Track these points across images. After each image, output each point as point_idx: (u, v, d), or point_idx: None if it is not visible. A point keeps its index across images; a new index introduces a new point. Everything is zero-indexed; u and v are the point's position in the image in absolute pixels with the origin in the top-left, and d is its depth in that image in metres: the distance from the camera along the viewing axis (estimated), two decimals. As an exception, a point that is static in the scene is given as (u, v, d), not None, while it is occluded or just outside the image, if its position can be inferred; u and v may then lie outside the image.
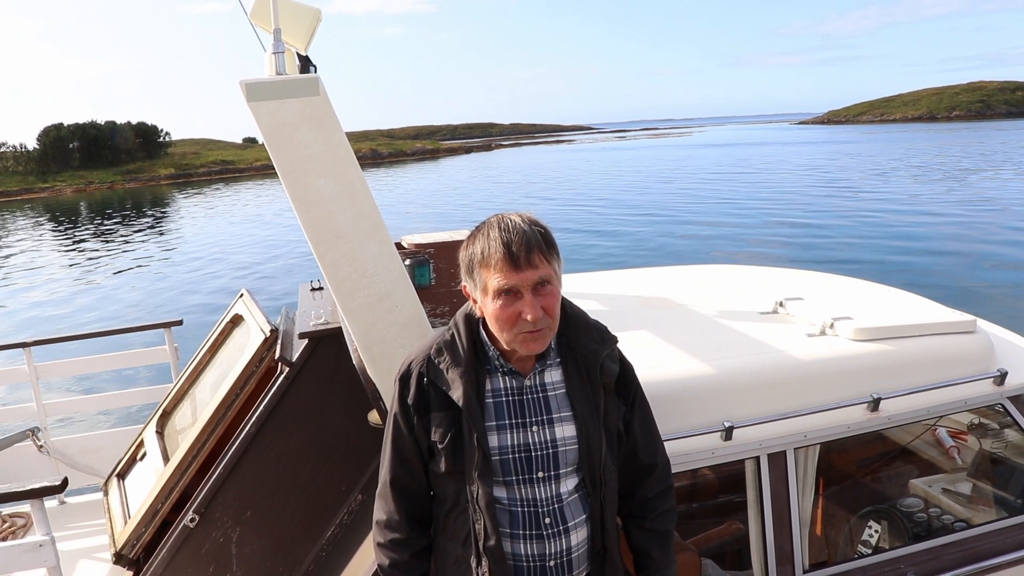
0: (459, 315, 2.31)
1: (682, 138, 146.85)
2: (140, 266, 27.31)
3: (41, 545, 2.83)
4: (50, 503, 5.07)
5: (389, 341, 2.77)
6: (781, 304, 3.67)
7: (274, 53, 2.71)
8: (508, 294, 2.10)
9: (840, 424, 3.08)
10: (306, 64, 3.20)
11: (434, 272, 3.45)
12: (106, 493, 4.75)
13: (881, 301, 3.81)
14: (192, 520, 3.52)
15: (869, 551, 3.42)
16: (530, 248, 2.08)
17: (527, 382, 2.24)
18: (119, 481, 4.66)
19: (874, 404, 3.09)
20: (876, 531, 3.51)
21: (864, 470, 4.02)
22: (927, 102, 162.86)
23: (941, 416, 3.46)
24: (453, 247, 2.75)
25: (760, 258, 19.37)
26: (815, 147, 78.84)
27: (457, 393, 2.17)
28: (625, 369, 2.38)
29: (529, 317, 2.08)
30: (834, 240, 22.13)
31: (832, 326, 3.32)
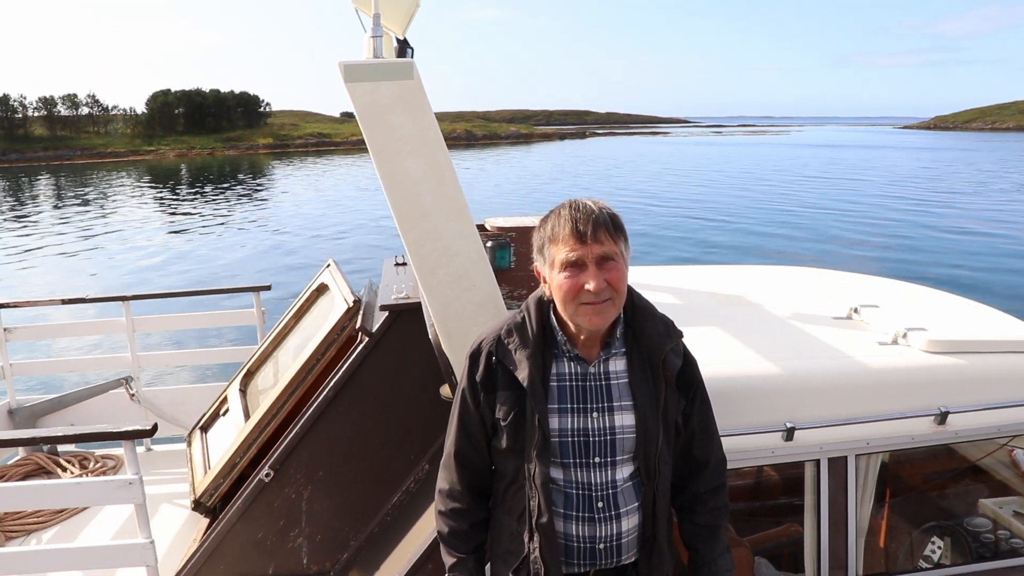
0: (531, 299, 2.38)
1: (780, 136, 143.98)
2: (235, 231, 28.09)
3: (131, 483, 3.01)
4: (138, 449, 5.35)
5: (465, 318, 2.86)
6: (856, 310, 3.64)
7: (372, 36, 2.82)
8: (574, 266, 2.17)
9: (904, 434, 3.06)
10: (403, 47, 3.31)
11: (514, 255, 3.54)
12: (189, 444, 4.98)
13: (959, 314, 3.75)
14: (267, 475, 3.69)
15: (930, 566, 3.39)
16: (596, 225, 2.17)
17: (591, 369, 2.30)
18: (202, 433, 4.88)
19: (942, 417, 3.05)
20: (939, 547, 3.47)
21: (931, 484, 3.96)
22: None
23: (1014, 436, 3.40)
24: (534, 232, 2.83)
25: (845, 263, 18.97)
26: (918, 153, 76.47)
27: (523, 374, 2.25)
28: (688, 363, 2.42)
29: (591, 286, 2.14)
30: (928, 251, 21.52)
31: (905, 336, 3.28)
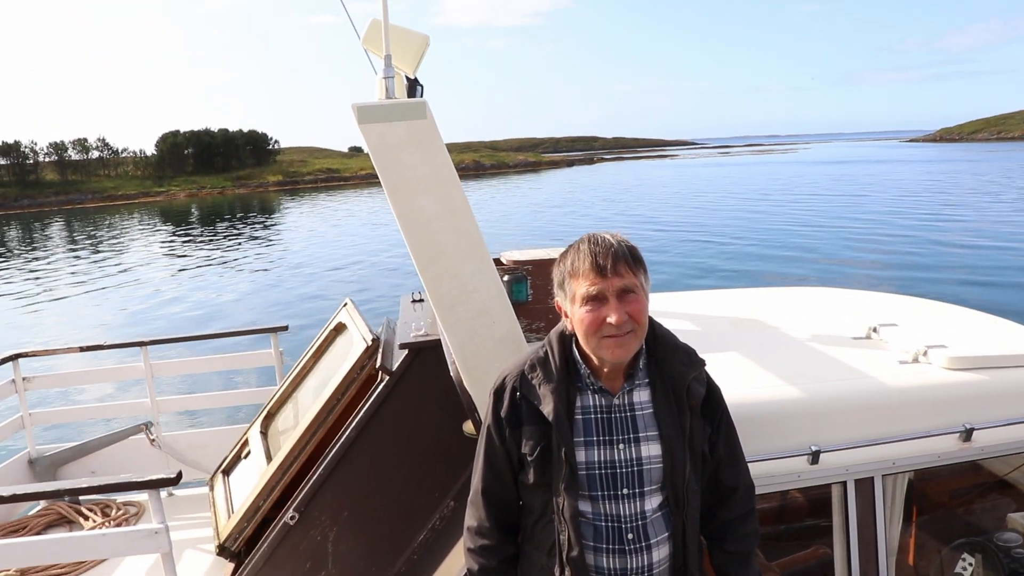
0: (553, 333, 2.40)
1: (787, 155, 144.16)
2: (249, 271, 28.21)
3: (156, 532, 3.02)
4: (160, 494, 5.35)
5: (485, 355, 2.87)
6: (875, 330, 3.63)
7: (384, 77, 2.85)
8: (594, 300, 2.19)
9: (930, 453, 3.04)
10: (413, 86, 3.35)
11: (531, 288, 3.54)
12: (211, 488, 4.97)
13: (979, 329, 3.74)
14: (292, 518, 3.68)
15: None
16: (616, 259, 2.19)
17: (616, 401, 2.30)
18: (224, 477, 4.88)
19: (967, 434, 3.04)
20: (970, 564, 3.43)
21: (958, 501, 3.92)
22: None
23: None
24: (550, 264, 2.84)
25: (856, 281, 18.88)
26: (925, 165, 76.41)
27: (548, 408, 2.26)
28: (712, 391, 2.42)
29: (613, 319, 2.16)
30: (939, 266, 21.42)
31: (925, 354, 3.27)
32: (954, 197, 41.25)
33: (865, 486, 3.03)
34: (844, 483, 3.02)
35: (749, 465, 2.55)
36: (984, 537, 3.59)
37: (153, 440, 5.63)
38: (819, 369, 3.22)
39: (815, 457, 2.90)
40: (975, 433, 3.05)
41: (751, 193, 51.83)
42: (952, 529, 3.72)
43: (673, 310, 4.18)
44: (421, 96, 3.34)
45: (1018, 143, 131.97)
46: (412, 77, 3.35)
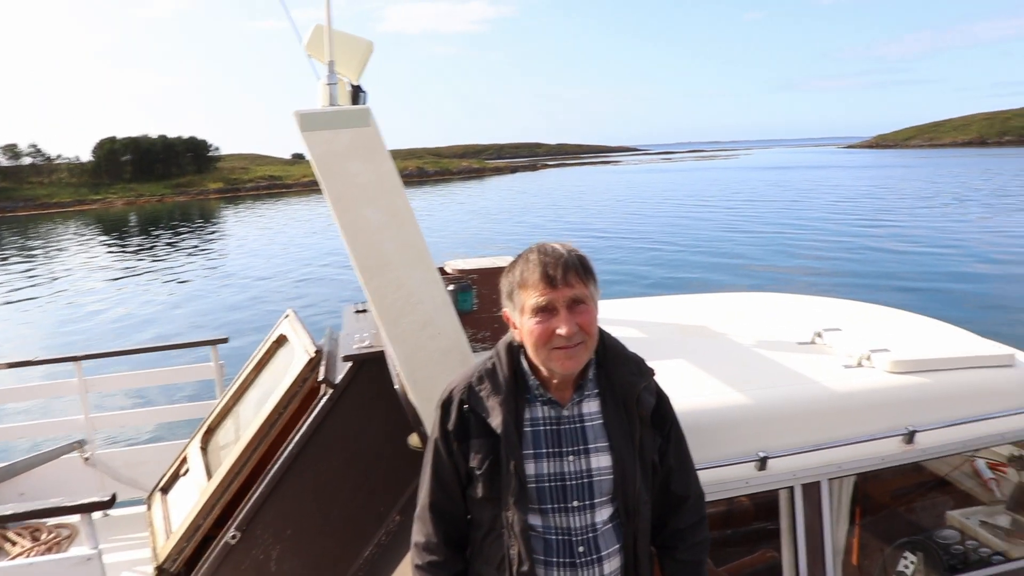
0: (501, 344, 2.36)
1: (728, 161, 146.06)
2: (187, 282, 27.65)
3: (88, 559, 2.91)
4: (95, 515, 5.17)
5: (431, 367, 2.82)
6: (819, 335, 3.67)
7: (328, 84, 2.80)
8: (544, 311, 2.16)
9: (875, 456, 3.09)
10: (357, 92, 3.30)
11: (476, 298, 3.51)
12: (149, 507, 4.82)
13: (920, 333, 3.80)
14: (234, 537, 3.58)
15: None
16: (566, 269, 2.16)
17: (565, 412, 2.28)
18: (162, 495, 4.73)
19: (909, 437, 3.09)
20: (912, 562, 3.48)
21: (900, 501, 3.99)
22: (978, 127, 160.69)
23: (979, 449, 3.44)
24: (495, 273, 2.80)
25: (801, 287, 19.14)
26: (861, 171, 78.08)
27: (496, 421, 2.22)
28: (661, 401, 2.41)
29: (563, 331, 2.14)
30: (878, 270, 21.82)
31: (869, 358, 3.32)
32: (888, 203, 42.03)
33: (812, 490, 3.05)
34: (791, 488, 3.04)
35: (698, 473, 2.54)
36: (925, 535, 3.65)
37: (87, 458, 5.45)
38: (765, 375, 3.25)
39: (763, 463, 2.92)
40: (917, 435, 3.11)
41: (689, 199, 52.28)
42: (894, 529, 3.77)
43: (619, 317, 4.18)
44: (365, 103, 3.29)
45: (948, 149, 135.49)
46: (355, 84, 3.30)
